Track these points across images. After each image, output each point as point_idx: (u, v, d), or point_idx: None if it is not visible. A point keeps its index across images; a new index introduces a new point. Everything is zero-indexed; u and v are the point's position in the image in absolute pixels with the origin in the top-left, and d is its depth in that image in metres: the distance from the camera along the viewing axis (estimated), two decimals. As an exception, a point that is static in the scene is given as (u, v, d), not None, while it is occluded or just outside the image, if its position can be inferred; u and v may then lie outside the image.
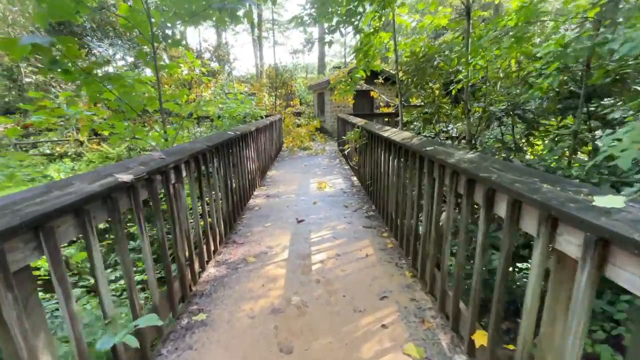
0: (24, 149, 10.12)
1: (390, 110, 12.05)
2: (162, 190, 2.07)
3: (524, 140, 4.13)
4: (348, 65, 16.01)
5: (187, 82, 12.00)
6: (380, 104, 12.17)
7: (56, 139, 9.71)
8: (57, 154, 9.01)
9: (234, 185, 3.80)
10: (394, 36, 4.86)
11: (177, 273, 2.23)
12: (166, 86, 11.25)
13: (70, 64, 2.63)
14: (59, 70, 2.59)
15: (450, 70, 4.39)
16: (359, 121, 5.77)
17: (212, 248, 2.95)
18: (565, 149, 3.16)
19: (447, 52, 4.46)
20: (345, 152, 5.81)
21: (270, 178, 6.27)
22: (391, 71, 14.35)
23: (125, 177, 1.54)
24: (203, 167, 2.78)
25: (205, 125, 9.27)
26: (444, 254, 2.02)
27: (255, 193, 5.15)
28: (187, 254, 2.33)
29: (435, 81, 5.00)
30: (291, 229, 3.64)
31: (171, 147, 2.73)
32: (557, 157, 3.17)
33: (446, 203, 1.99)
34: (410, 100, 14.96)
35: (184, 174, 2.33)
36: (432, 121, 5.25)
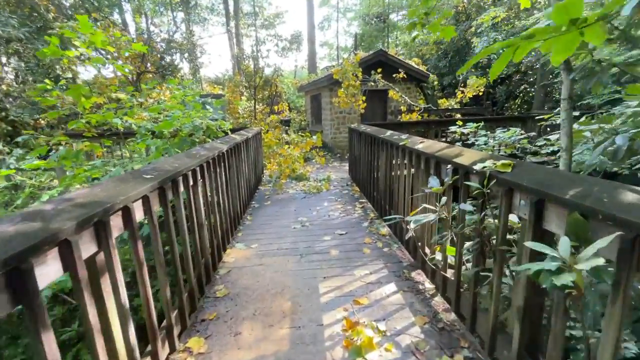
0: None
1: (413, 117, 8.69)
2: None
3: None
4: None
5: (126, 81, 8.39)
6: (401, 108, 8.78)
7: None
8: None
9: None
10: None
11: None
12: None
13: None
14: None
15: None
16: (448, 151, 2.29)
17: None
18: None
19: None
20: (409, 235, 2.33)
21: (225, 277, 2.72)
22: (412, 66, 10.87)
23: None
24: None
25: (130, 146, 5.65)
26: None
27: (152, 395, 1.61)
28: None
29: None
30: None
31: None
32: None
33: None
34: (439, 104, 11.66)
35: None
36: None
